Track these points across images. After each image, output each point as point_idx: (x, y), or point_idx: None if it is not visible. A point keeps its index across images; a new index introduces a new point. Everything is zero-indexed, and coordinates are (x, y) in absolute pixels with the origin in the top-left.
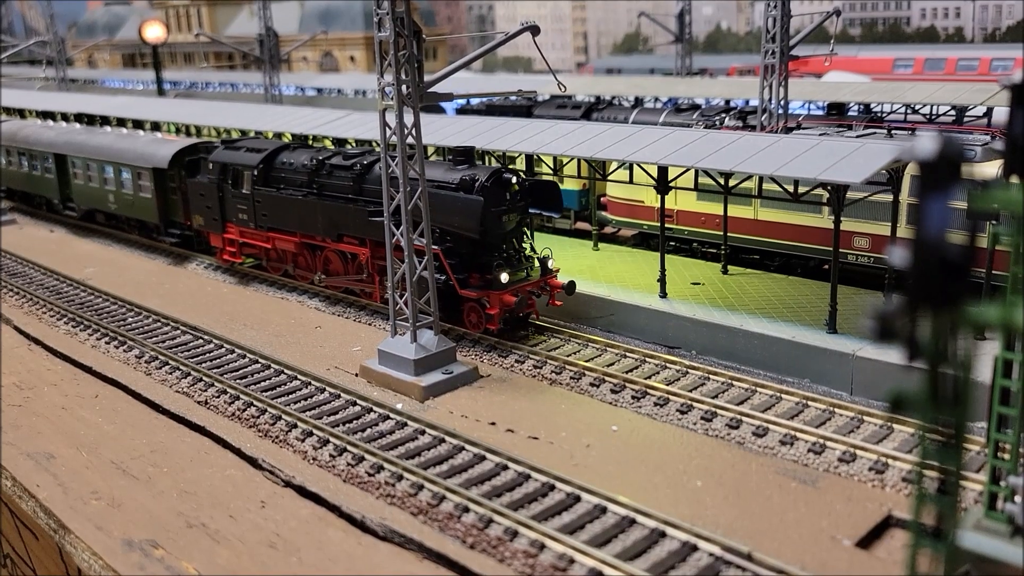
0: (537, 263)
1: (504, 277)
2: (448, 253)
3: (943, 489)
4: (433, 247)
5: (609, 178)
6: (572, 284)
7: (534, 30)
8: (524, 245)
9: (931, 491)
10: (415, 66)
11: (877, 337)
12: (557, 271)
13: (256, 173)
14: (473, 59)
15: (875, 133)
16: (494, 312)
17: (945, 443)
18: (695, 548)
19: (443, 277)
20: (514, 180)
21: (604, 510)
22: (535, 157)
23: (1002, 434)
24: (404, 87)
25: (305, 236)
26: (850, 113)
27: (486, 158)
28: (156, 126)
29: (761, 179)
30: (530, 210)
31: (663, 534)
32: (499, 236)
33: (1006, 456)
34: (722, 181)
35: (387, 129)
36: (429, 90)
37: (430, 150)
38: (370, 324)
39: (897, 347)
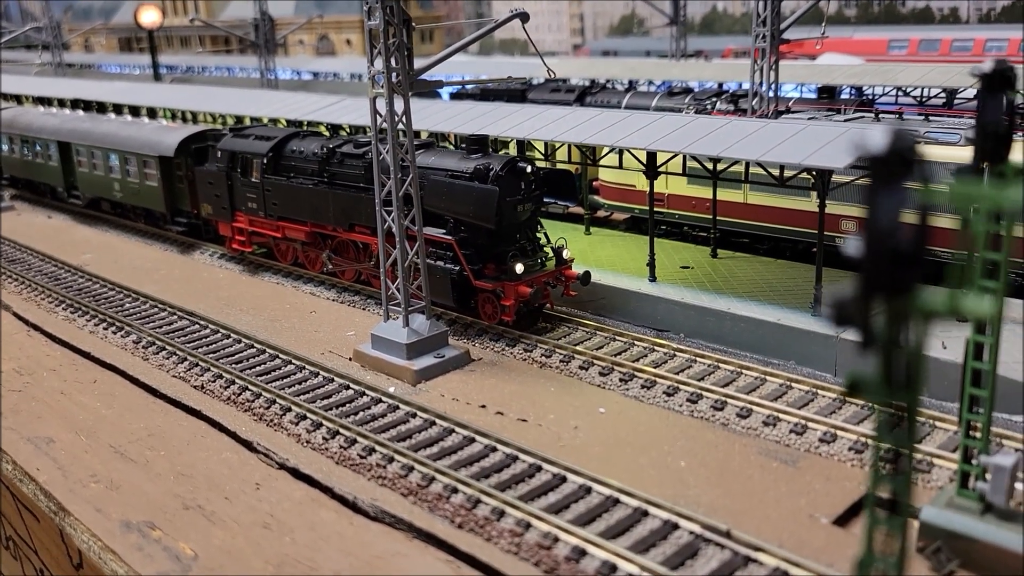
0: (551, 253)
1: (519, 268)
2: (462, 243)
3: (897, 468)
4: (447, 237)
5: (599, 163)
6: (587, 274)
7: (523, 17)
8: (538, 235)
9: (886, 470)
10: (404, 54)
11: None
12: (572, 261)
13: (266, 161)
14: (462, 47)
15: (863, 117)
16: (509, 303)
17: (898, 424)
18: (676, 526)
19: (457, 268)
20: (529, 169)
21: (589, 490)
22: (526, 142)
23: (974, 414)
24: (394, 75)
25: (316, 225)
26: (841, 96)
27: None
28: (152, 112)
29: (748, 163)
30: (545, 199)
31: (645, 513)
32: (514, 226)
33: (978, 436)
34: (710, 166)
35: (378, 116)
36: (420, 77)
37: (423, 135)
38: (364, 309)
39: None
